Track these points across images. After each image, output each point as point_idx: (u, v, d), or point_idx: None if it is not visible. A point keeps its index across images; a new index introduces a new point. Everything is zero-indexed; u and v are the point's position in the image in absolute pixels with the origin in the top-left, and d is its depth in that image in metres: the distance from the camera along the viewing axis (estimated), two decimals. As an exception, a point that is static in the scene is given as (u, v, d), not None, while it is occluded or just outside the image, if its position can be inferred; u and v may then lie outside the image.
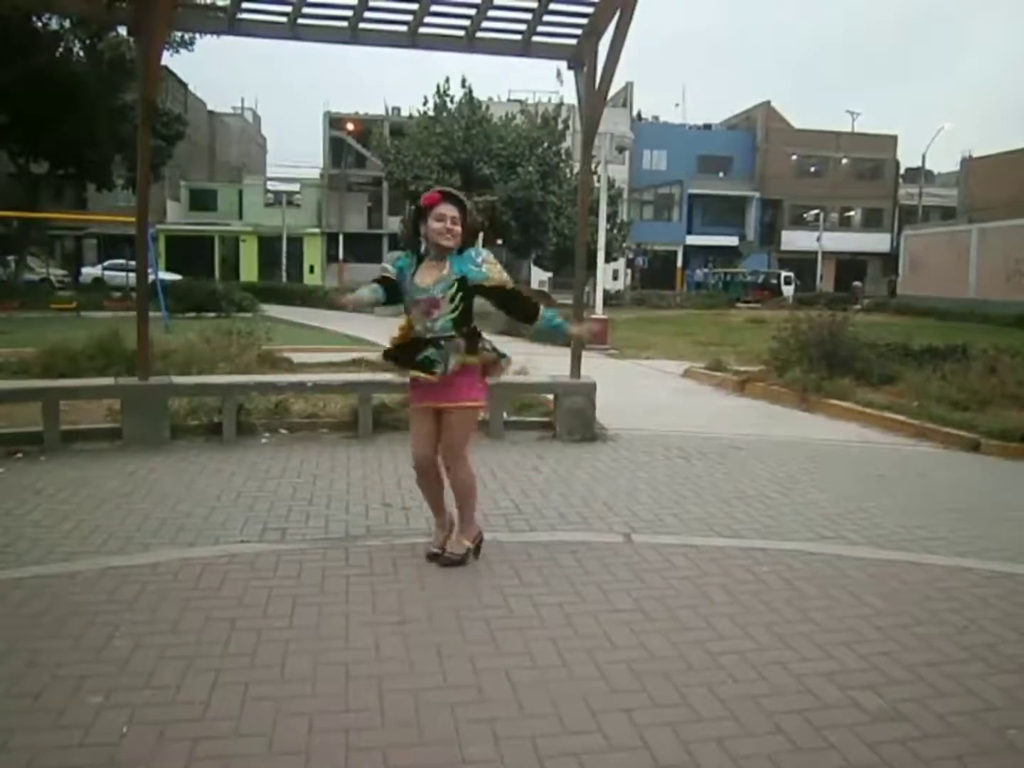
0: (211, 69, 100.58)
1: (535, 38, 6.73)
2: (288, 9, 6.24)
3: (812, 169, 50.11)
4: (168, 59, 26.24)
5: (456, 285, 3.71)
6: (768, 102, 50.16)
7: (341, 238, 44.45)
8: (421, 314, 3.74)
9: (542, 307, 3.90)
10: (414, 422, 3.96)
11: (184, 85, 44.46)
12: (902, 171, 52.36)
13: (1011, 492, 5.89)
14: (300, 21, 6.33)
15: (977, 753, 2.47)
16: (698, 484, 5.60)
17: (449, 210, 3.70)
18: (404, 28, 6.53)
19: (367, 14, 6.35)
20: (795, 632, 3.26)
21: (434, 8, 6.37)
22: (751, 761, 2.40)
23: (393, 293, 3.84)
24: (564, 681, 2.82)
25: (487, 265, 3.77)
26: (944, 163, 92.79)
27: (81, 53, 25.34)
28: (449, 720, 2.56)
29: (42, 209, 27.20)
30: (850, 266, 48.20)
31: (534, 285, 37.83)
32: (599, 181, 17.90)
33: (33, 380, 7.52)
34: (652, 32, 36.01)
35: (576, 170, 26.30)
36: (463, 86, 31.23)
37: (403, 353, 3.83)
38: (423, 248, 3.80)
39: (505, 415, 7.04)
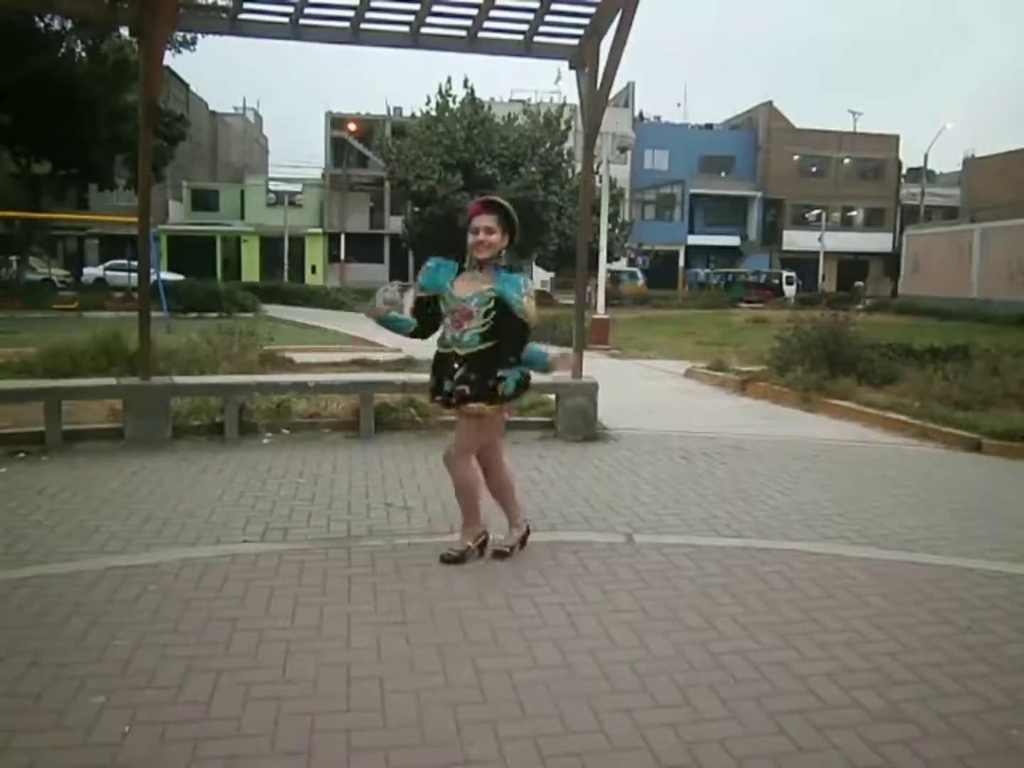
0: (213, 69, 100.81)
1: (537, 38, 6.73)
2: (290, 10, 6.24)
3: (814, 169, 50.07)
4: (170, 59, 26.26)
5: (493, 302, 3.72)
6: (770, 102, 50.13)
7: (343, 238, 44.41)
8: (452, 324, 3.78)
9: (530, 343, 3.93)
10: None
11: (186, 85, 44.53)
12: (904, 171, 52.30)
13: (1013, 492, 5.88)
14: (302, 22, 6.34)
15: (979, 754, 2.46)
16: (700, 484, 5.59)
17: (484, 221, 3.75)
18: (406, 28, 6.54)
19: (369, 14, 6.35)
20: (797, 632, 3.26)
21: (436, 8, 6.37)
22: (753, 762, 2.40)
23: (431, 323, 3.90)
24: (566, 681, 2.82)
25: (527, 299, 3.77)
26: (946, 163, 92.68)
27: (83, 54, 25.38)
28: (451, 720, 2.56)
29: (44, 209, 27.22)
30: (852, 266, 48.16)
31: (536, 286, 37.82)
32: (601, 181, 17.91)
33: (35, 380, 7.51)
34: (654, 32, 35.95)
35: (578, 170, 26.26)
36: (465, 86, 31.27)
37: (434, 374, 3.88)
38: (467, 260, 3.83)
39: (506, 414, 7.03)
